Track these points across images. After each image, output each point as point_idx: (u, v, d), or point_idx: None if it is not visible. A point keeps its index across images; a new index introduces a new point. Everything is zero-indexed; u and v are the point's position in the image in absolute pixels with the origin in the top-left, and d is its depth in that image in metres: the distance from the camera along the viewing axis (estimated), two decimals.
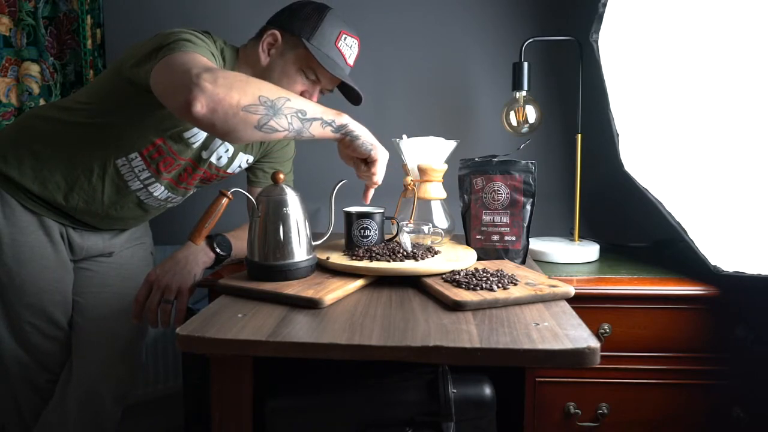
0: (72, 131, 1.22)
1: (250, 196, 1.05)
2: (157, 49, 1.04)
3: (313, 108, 1.01)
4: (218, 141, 1.29)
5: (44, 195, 1.24)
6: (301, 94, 1.23)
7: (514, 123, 1.53)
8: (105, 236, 1.38)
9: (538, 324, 0.83)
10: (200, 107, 0.89)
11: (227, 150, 1.32)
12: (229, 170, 1.37)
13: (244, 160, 1.38)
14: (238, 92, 0.91)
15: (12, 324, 1.27)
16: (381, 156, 1.10)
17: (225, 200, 0.99)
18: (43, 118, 1.25)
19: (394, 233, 1.21)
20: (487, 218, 1.22)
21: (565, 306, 0.93)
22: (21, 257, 1.25)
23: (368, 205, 1.20)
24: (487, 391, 0.99)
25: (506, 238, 1.22)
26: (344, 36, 1.25)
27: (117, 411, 1.40)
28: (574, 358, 0.74)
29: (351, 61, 1.29)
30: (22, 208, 1.24)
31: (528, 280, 1.01)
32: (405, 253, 1.10)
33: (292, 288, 0.96)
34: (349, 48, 1.27)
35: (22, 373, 1.30)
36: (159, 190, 1.31)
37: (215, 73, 0.91)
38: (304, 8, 1.25)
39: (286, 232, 1.02)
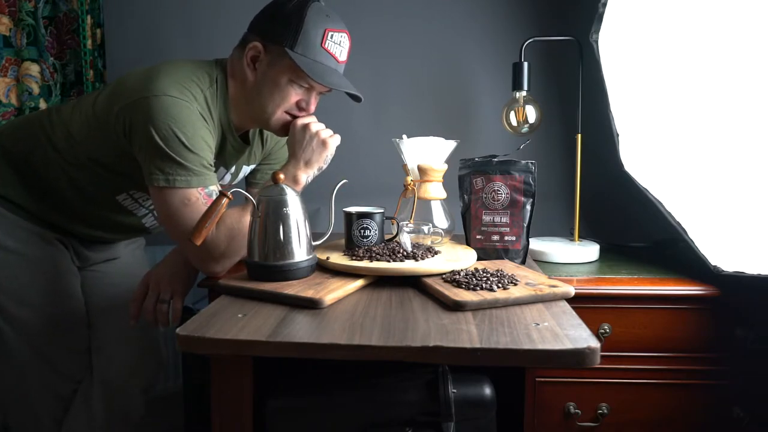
0: (69, 173, 1.21)
1: (250, 197, 1.06)
2: (154, 163, 1.07)
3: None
4: (221, 173, 1.29)
5: (45, 217, 1.24)
6: (297, 103, 1.19)
7: (514, 123, 1.52)
8: (108, 243, 1.40)
9: (538, 324, 0.83)
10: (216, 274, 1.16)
11: (229, 172, 1.33)
12: (233, 183, 1.38)
13: (247, 170, 1.39)
14: (234, 252, 1.12)
15: (32, 342, 1.24)
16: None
17: (225, 200, 1.00)
18: (40, 154, 1.21)
19: (394, 233, 1.21)
20: (487, 218, 1.22)
21: (565, 306, 0.93)
22: (32, 270, 1.24)
23: (368, 206, 1.20)
24: (487, 391, 0.99)
25: (506, 238, 1.22)
26: (330, 34, 1.14)
27: (142, 402, 1.38)
28: (574, 358, 0.74)
29: (342, 57, 1.19)
30: (25, 223, 1.23)
31: (528, 280, 1.01)
32: (405, 253, 1.10)
33: (292, 288, 0.96)
34: (338, 45, 1.17)
35: (46, 384, 1.27)
36: None
37: (215, 254, 1.11)
38: (282, 9, 1.15)
39: (286, 232, 1.01)
